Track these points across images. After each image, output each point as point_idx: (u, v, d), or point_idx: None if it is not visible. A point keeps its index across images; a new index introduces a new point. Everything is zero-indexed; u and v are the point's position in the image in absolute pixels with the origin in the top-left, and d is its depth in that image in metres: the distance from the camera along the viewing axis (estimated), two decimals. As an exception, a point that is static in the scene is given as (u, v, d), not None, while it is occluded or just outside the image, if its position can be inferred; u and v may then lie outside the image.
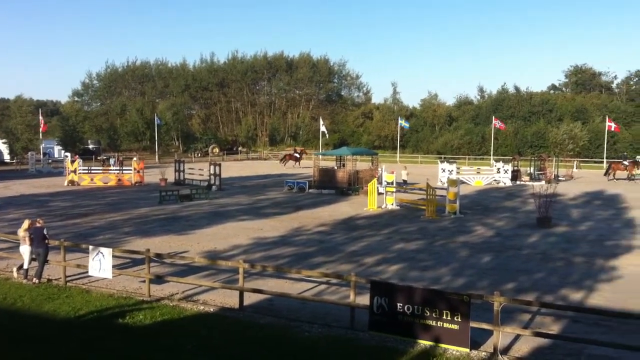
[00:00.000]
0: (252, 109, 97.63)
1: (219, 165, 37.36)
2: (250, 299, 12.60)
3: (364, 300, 11.07)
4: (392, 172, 29.74)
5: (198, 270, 15.31)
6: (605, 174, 45.36)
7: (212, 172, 36.63)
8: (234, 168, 55.45)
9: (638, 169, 44.36)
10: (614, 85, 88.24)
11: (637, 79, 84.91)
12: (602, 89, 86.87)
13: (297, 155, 59.59)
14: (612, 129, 63.13)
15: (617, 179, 43.17)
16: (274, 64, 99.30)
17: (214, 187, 35.61)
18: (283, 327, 10.95)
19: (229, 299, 12.74)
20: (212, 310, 12.10)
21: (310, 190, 34.99)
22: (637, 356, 9.37)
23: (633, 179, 43.10)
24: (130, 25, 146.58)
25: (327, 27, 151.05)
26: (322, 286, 13.88)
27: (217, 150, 77.95)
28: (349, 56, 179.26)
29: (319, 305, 12.28)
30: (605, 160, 63.54)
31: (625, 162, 45.02)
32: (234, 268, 13.68)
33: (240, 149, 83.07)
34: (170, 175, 40.55)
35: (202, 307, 12.23)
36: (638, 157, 54.53)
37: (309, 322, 11.32)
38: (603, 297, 13.13)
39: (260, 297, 12.72)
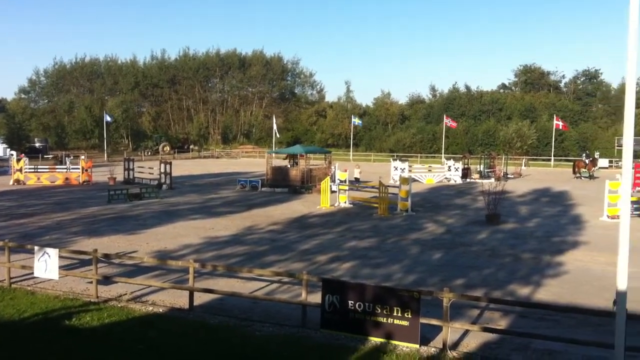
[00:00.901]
0: (204, 106, 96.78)
1: (170, 163, 36.88)
2: (200, 299, 12.43)
3: (316, 298, 11.04)
4: (345, 170, 29.83)
5: (147, 271, 15.03)
6: (574, 173, 46.19)
7: (162, 170, 36.13)
8: (185, 166, 54.84)
9: (595, 166, 45.53)
10: (562, 85, 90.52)
11: (584, 78, 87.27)
12: (550, 88, 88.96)
13: None
14: (560, 128, 64.76)
15: (582, 177, 44.17)
16: (227, 61, 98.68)
17: (164, 186, 35.13)
18: (234, 327, 10.82)
19: (179, 299, 12.53)
20: (161, 310, 11.88)
21: (263, 189, 34.83)
22: (582, 350, 9.56)
23: (592, 177, 43.92)
24: (79, 21, 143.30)
25: (281, 24, 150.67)
26: (274, 285, 13.79)
27: (168, 148, 76.91)
28: (303, 54, 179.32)
29: (271, 304, 12.19)
30: (552, 158, 65.17)
31: (586, 160, 45.97)
32: (184, 268, 13.47)
33: (191, 147, 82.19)
34: (120, 174, 39.80)
35: (151, 308, 11.99)
36: (597, 154, 55.99)
37: (261, 321, 11.21)
38: (550, 292, 13.40)
39: (211, 297, 12.55)
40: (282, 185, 34.65)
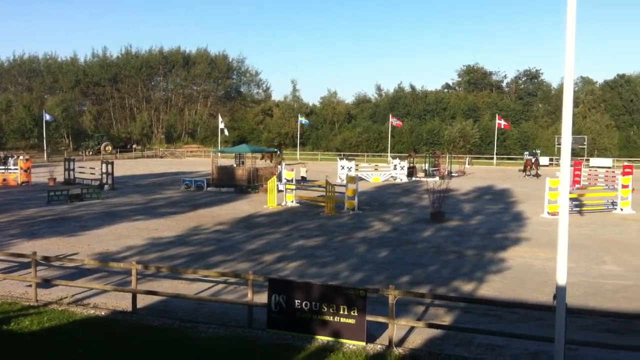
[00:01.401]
0: (147, 105, 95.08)
1: (112, 163, 36.10)
2: (144, 301, 12.17)
3: (263, 298, 10.95)
4: (292, 170, 29.79)
5: (89, 273, 14.65)
6: (524, 170, 46.80)
7: (104, 170, 35.33)
8: (128, 166, 53.77)
9: (539, 165, 46.57)
10: (503, 85, 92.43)
11: (525, 78, 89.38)
12: (492, 88, 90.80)
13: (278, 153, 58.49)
14: (502, 127, 66.28)
15: (531, 175, 44.92)
16: (170, 59, 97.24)
17: (106, 187, 34.35)
18: (178, 329, 10.64)
19: (122, 301, 12.26)
20: (103, 313, 11.59)
21: (208, 189, 34.46)
22: (524, 344, 9.78)
23: (537, 175, 44.65)
24: (17, 17, 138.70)
25: (225, 23, 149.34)
26: (220, 286, 13.64)
27: (110, 148, 75.22)
28: (248, 53, 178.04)
29: (216, 305, 12.05)
30: (495, 156, 66.64)
31: (532, 159, 46.85)
32: (126, 270, 13.18)
33: (134, 146, 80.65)
34: (60, 175, 38.72)
35: (92, 311, 11.68)
36: (537, 152, 57.32)
37: (206, 322, 11.06)
38: (492, 287, 13.66)
39: (155, 299, 12.31)
40: (228, 184, 34.36)
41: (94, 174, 37.21)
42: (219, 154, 39.75)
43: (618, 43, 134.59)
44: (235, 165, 37.37)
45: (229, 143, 77.08)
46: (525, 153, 58.31)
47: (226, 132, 69.82)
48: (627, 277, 14.56)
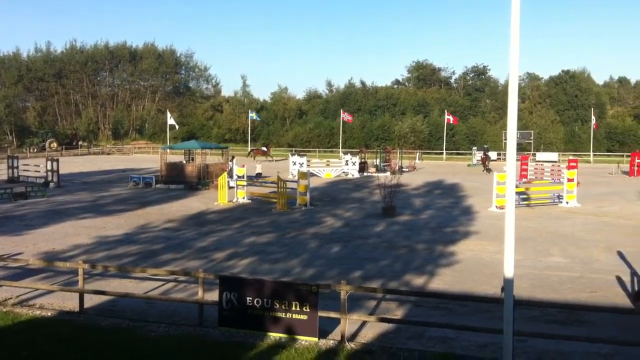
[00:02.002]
0: (93, 101, 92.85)
1: (57, 160, 35.19)
2: (91, 301, 11.89)
3: (214, 296, 10.83)
4: (243, 166, 29.58)
5: (34, 273, 14.23)
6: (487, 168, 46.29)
7: (49, 168, 34.39)
8: (74, 164, 52.48)
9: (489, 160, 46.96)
10: (452, 81, 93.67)
11: (473, 74, 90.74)
12: (441, 84, 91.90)
13: (265, 149, 57.36)
14: (451, 122, 67.28)
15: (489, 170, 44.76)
16: (116, 54, 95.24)
17: (51, 184, 33.47)
18: (127, 329, 10.43)
19: (69, 302, 11.96)
20: (50, 314, 11.29)
21: (157, 186, 33.93)
22: (474, 336, 9.91)
23: (486, 171, 44.49)
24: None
25: (173, 16, 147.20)
26: (170, 284, 13.43)
27: (55, 144, 73.28)
28: (197, 47, 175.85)
29: (166, 304, 11.88)
30: (444, 151, 67.59)
31: (484, 154, 47.25)
32: (73, 269, 12.88)
33: (80, 143, 78.75)
34: (3, 173, 37.54)
35: (38, 312, 11.36)
36: (486, 145, 58.13)
37: (156, 322, 10.88)
38: (443, 281, 13.82)
39: (103, 298, 12.05)
40: (178, 181, 33.90)
41: (38, 171, 36.22)
42: (168, 150, 39.13)
43: (563, 40, 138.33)
44: (184, 162, 36.88)
45: (178, 139, 76.00)
46: (474, 148, 59.29)
47: (176, 126, 68.67)
48: (573, 268, 14.94)
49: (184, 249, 17.22)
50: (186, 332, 10.29)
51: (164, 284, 13.42)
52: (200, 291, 10.83)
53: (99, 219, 22.74)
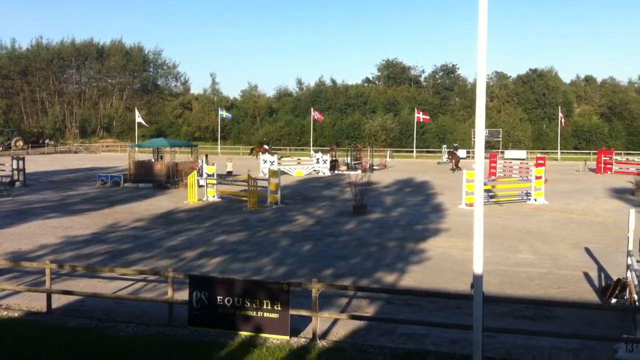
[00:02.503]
0: (59, 98, 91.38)
1: (23, 159, 34.59)
2: (59, 301, 11.70)
3: (184, 295, 10.73)
4: (213, 164, 29.39)
5: (0, 274, 13.93)
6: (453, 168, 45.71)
7: (15, 167, 33.74)
8: (40, 162, 51.62)
9: (445, 158, 47.22)
10: (422, 79, 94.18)
11: (442, 73, 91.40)
12: (411, 82, 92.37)
13: (267, 147, 56.66)
14: (421, 120, 67.74)
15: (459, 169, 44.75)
16: (83, 51, 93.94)
17: (17, 184, 32.87)
18: (96, 329, 10.28)
19: (36, 302, 11.73)
20: (16, 315, 11.07)
21: (125, 184, 33.54)
22: (444, 332, 9.98)
23: (452, 169, 44.47)
24: None
25: (141, 13, 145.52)
26: (139, 284, 13.27)
27: (20, 143, 71.99)
28: (165, 45, 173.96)
29: (136, 303, 11.74)
30: (414, 149, 68.02)
31: (456, 153, 47.19)
32: (40, 269, 12.63)
33: (47, 141, 77.51)
34: (-33, 172, 36.72)
35: (5, 313, 11.14)
36: (455, 144, 58.51)
37: (125, 321, 10.74)
38: (413, 278, 13.89)
39: (71, 298, 11.86)
40: (146, 180, 33.54)
41: (4, 170, 35.48)
42: (136, 148, 38.68)
43: (530, 39, 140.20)
44: (153, 160, 36.49)
45: (147, 137, 75.21)
46: (444, 146, 59.74)
47: (145, 124, 67.89)
48: (541, 264, 15.13)
49: (153, 248, 17.03)
50: (156, 332, 10.17)
51: (133, 284, 13.25)
52: (169, 290, 10.72)
53: (66, 218, 22.38)
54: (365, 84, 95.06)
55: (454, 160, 45.67)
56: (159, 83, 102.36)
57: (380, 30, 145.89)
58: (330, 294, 11.93)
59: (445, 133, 74.61)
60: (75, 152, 73.30)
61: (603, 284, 13.21)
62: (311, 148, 63.93)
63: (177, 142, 42.38)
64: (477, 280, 8.39)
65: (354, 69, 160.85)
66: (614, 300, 11.50)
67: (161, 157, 36.59)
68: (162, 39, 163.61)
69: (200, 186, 28.04)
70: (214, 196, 27.55)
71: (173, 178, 33.44)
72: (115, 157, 62.34)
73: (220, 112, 72.78)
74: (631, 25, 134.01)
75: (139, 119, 64.56)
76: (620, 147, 66.42)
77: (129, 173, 34.97)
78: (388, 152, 63.29)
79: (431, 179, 38.26)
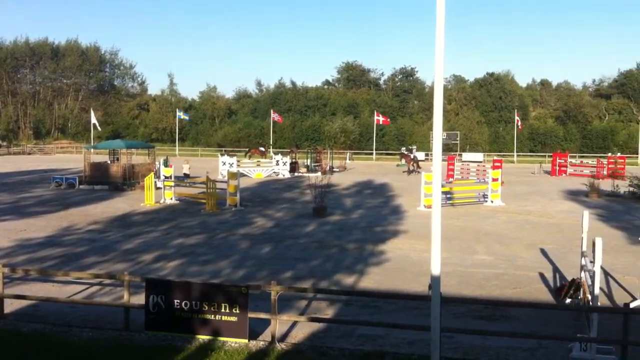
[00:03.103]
0: (12, 99, 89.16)
1: (-25, 160, 33.66)
2: (12, 306, 11.42)
3: (140, 299, 10.56)
4: (171, 166, 29.04)
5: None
6: (407, 170, 45.24)
7: (-34, 168, 32.87)
8: (-7, 164, 50.32)
9: (403, 161, 46.90)
10: (381, 82, 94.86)
11: (401, 76, 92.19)
12: (371, 85, 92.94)
13: (262, 149, 55.42)
14: (381, 123, 68.18)
15: (410, 172, 43.99)
16: (38, 50, 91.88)
17: (-32, 186, 31.97)
18: (50, 334, 10.05)
19: (-13, 307, 11.41)
20: (-34, 322, 10.76)
21: (81, 187, 32.91)
22: (403, 333, 10.03)
23: (410, 172, 44.08)
24: None
25: (97, 12, 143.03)
26: (95, 288, 13.01)
27: (-28, 145, 70.19)
28: (122, 45, 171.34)
29: (91, 308, 11.49)
30: (374, 152, 68.40)
31: (410, 155, 47.02)
32: (-9, 274, 12.27)
33: (0, 143, 75.65)
34: None
35: (-46, 319, 10.81)
36: (414, 148, 58.81)
37: (80, 326, 10.52)
38: (372, 279, 13.94)
39: (24, 303, 11.59)
40: (102, 182, 32.97)
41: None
42: (92, 150, 37.98)
43: (488, 43, 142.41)
44: (109, 162, 35.87)
45: (103, 139, 74.01)
46: (403, 149, 60.18)
47: (98, 126, 66.66)
48: (498, 265, 15.35)
49: (109, 252, 16.74)
50: (112, 337, 10.00)
51: (88, 288, 12.99)
52: (126, 294, 10.55)
53: (19, 221, 21.85)
54: (325, 86, 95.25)
55: (409, 163, 45.49)
56: (116, 83, 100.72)
57: (340, 32, 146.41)
58: (290, 297, 11.89)
59: (404, 136, 75.21)
60: (29, 154, 71.71)
61: (558, 284, 13.47)
62: (271, 150, 63.76)
63: (133, 143, 41.71)
64: (435, 281, 8.45)
65: (314, 71, 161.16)
66: (568, 300, 11.73)
67: (117, 159, 35.97)
68: (119, 38, 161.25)
69: (157, 188, 27.68)
70: (171, 198, 27.22)
71: (130, 180, 32.95)
72: (70, 158, 61.14)
73: (178, 113, 72.01)
74: (586, 29, 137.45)
75: (94, 120, 63.43)
76: (575, 149, 67.89)
77: (84, 175, 34.31)
78: (348, 154, 63.52)
79: (391, 181, 38.51)
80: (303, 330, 10.44)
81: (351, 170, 48.67)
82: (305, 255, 16.46)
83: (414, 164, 44.87)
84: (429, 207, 24.32)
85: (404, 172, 45.05)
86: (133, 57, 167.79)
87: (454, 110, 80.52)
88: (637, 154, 60.49)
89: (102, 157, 40.55)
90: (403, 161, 53.83)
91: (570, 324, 10.61)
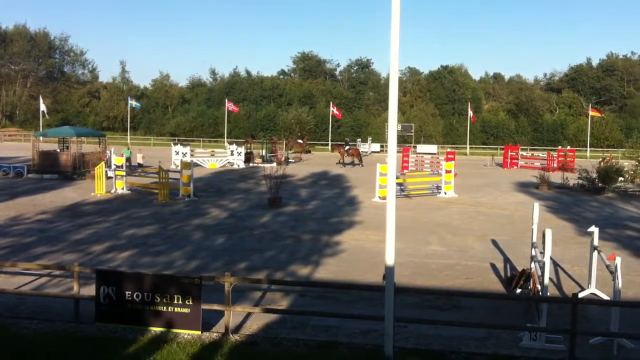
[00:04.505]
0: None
1: None
2: (-45, 298, 11.07)
3: (91, 291, 10.34)
4: (122, 155, 28.51)
5: None
6: (341, 162, 44.57)
7: None
8: (-64, 152, 48.58)
9: (348, 154, 45.73)
10: (337, 73, 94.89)
11: (357, 67, 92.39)
12: (326, 75, 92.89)
13: (301, 142, 53.86)
14: (336, 114, 68.25)
15: (345, 164, 43.71)
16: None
17: None
18: (-2, 326, 9.78)
19: None
20: None
21: (29, 175, 32.04)
22: (357, 324, 10.08)
23: (354, 164, 43.76)
24: None
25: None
26: (44, 279, 12.71)
27: None
28: (72, 31, 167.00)
29: (40, 299, 11.21)
30: (330, 143, 68.47)
31: (347, 147, 46.28)
32: None
33: (-56, 130, 73.15)
34: None
35: None
36: (369, 139, 58.80)
37: (29, 318, 10.31)
38: (328, 270, 13.96)
39: (-32, 296, 11.24)
40: (52, 171, 32.17)
41: None
42: (41, 137, 36.95)
43: (442, 37, 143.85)
44: (59, 150, 34.99)
45: (52, 127, 72.10)
46: (358, 140, 60.41)
47: (46, 114, 64.92)
48: (450, 256, 15.56)
49: (59, 242, 16.36)
50: (61, 329, 9.82)
51: (37, 279, 12.70)
52: (75, 286, 10.34)
53: (-37, 210, 21.18)
54: (281, 76, 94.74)
55: (343, 155, 44.36)
56: (66, 70, 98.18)
57: (296, 22, 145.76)
58: (244, 288, 11.81)
59: (360, 127, 75.43)
60: (-26, 142, 69.56)
61: (509, 274, 13.73)
62: (225, 140, 63.15)
63: (84, 131, 40.77)
64: (389, 272, 8.51)
65: (270, 60, 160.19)
66: (518, 291, 11.96)
67: (67, 147, 35.09)
68: (69, 24, 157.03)
69: (108, 178, 27.12)
70: (122, 188, 26.72)
71: (80, 169, 32.23)
72: (18, 146, 59.48)
73: (130, 102, 70.63)
74: (538, 25, 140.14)
75: (43, 107, 61.77)
76: (526, 142, 69.16)
77: (32, 163, 33.38)
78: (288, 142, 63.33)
79: (346, 172, 38.63)
80: (257, 321, 10.39)
81: (307, 161, 48.65)
82: (260, 246, 16.38)
83: (358, 158, 44.00)
84: (384, 198, 24.46)
85: (337, 163, 44.09)
86: (84, 43, 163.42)
87: (408, 102, 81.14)
88: (587, 147, 62.03)
89: (51, 146, 39.53)
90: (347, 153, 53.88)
91: (521, 313, 10.82)
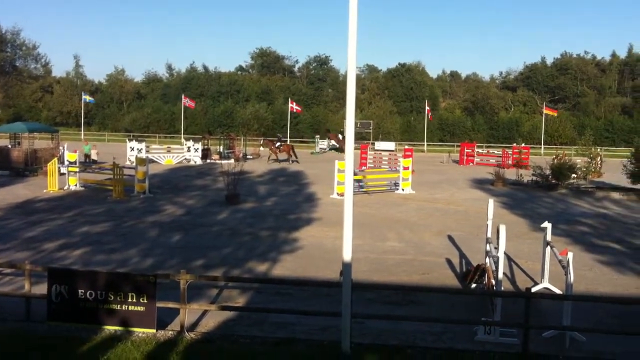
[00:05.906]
0: None
1: None
2: None
3: (42, 289, 10.10)
4: (75, 151, 27.94)
5: None
6: (274, 159, 43.73)
7: None
8: None
9: (280, 151, 43.84)
10: (295, 69, 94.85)
11: (315, 64, 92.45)
12: (285, 72, 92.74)
13: (341, 137, 52.45)
14: (295, 110, 68.14)
15: (280, 160, 43.12)
16: None
17: None
18: (-56, 327, 9.47)
19: None
20: None
21: (-21, 172, 31.15)
22: (314, 320, 10.08)
23: (279, 160, 43.18)
24: None
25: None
26: (-7, 278, 12.37)
27: None
28: (24, 24, 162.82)
29: (-11, 298, 10.91)
30: (288, 139, 68.32)
31: (278, 143, 44.92)
32: None
33: None
34: None
35: None
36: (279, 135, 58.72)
37: (-23, 317, 10.01)
38: (285, 267, 13.93)
39: None
40: (2, 167, 31.29)
41: None
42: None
43: (400, 34, 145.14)
44: (10, 146, 34.08)
45: (4, 122, 70.30)
46: (317, 137, 60.42)
47: None
48: (408, 252, 15.69)
49: (10, 240, 15.94)
50: (12, 328, 9.60)
51: (-15, 278, 12.33)
52: (27, 284, 10.12)
53: None
54: (239, 72, 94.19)
55: (275, 152, 43.65)
56: (17, 64, 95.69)
57: (254, 18, 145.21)
58: (200, 285, 11.69)
59: (319, 124, 75.47)
60: None
61: (464, 269, 13.92)
62: (182, 136, 62.48)
63: (36, 127, 39.71)
64: (347, 268, 8.53)
65: (227, 56, 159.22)
66: (473, 285, 12.13)
67: (19, 143, 34.21)
68: (21, 18, 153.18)
69: (61, 174, 26.53)
70: (76, 185, 26.18)
71: (32, 165, 31.46)
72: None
73: (83, 97, 69.28)
74: (494, 24, 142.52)
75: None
76: (482, 139, 70.21)
77: (-18, 160, 32.45)
78: (262, 141, 63.08)
79: (304, 168, 38.59)
80: (214, 319, 10.30)
81: (265, 157, 48.45)
82: (217, 243, 16.24)
83: (293, 153, 43.09)
84: (342, 194, 24.54)
85: (268, 161, 43.19)
86: (36, 37, 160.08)
87: (367, 99, 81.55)
88: (541, 144, 63.32)
89: (2, 142, 38.53)
90: (317, 149, 54.19)
91: (476, 308, 10.97)
